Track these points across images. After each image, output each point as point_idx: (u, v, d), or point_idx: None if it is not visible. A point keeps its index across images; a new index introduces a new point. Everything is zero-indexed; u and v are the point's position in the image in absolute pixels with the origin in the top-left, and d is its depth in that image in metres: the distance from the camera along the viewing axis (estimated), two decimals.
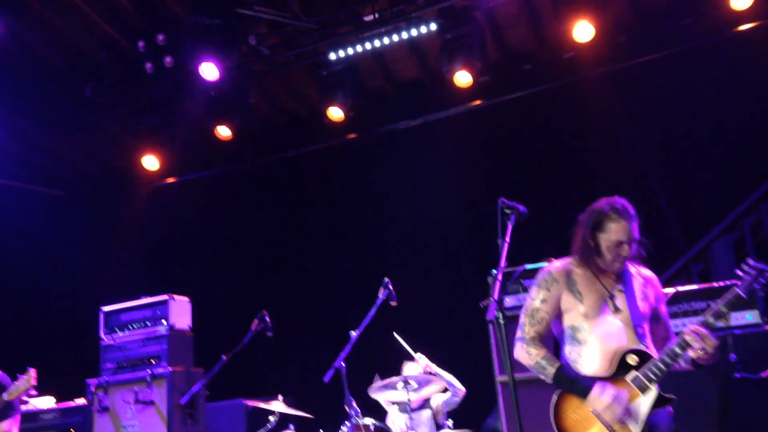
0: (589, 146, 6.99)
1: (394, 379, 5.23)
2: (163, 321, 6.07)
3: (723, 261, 6.18)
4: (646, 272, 3.37)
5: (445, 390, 5.67)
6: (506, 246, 3.07)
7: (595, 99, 6.92)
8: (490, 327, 5.09)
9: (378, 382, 5.28)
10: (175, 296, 6.20)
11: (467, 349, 6.67)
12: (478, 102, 7.44)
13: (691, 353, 2.99)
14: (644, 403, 3.02)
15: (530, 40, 7.23)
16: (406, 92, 7.89)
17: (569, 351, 3.25)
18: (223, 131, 7.37)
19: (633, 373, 3.06)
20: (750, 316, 4.51)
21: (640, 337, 3.15)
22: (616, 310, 3.19)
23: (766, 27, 6.29)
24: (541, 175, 7.30)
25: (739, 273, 3.02)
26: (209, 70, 6.69)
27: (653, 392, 3.03)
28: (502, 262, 3.01)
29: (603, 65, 6.88)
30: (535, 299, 3.33)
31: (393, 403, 5.71)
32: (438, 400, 5.80)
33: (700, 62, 6.62)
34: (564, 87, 7.10)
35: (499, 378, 5.04)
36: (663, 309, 3.34)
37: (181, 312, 6.19)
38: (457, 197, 7.58)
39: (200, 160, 8.56)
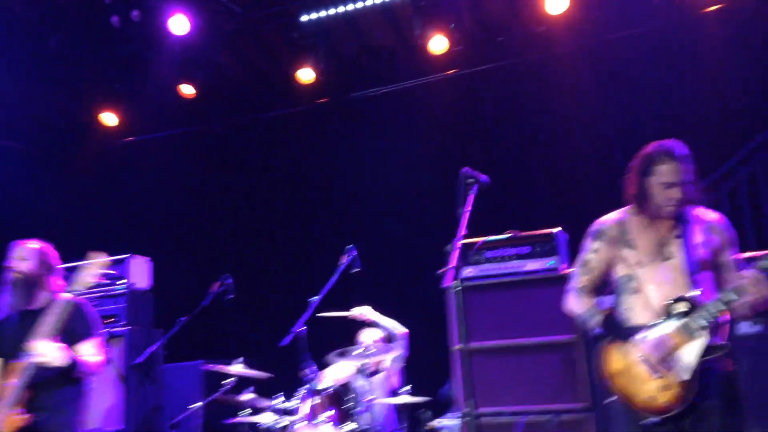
0: (558, 120, 7.02)
1: (352, 348, 5.26)
2: (122, 280, 6.02)
3: None
4: (713, 216, 3.23)
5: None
6: (466, 215, 3.05)
7: (565, 74, 6.94)
8: (450, 296, 5.15)
9: (337, 351, 5.31)
10: (135, 256, 6.15)
11: (429, 318, 6.71)
12: (450, 72, 7.40)
13: (749, 298, 2.88)
14: (693, 349, 2.94)
15: (504, 12, 7.18)
16: (378, 59, 7.81)
17: (623, 300, 3.20)
18: (187, 90, 7.27)
19: (683, 320, 2.98)
20: None
21: (695, 284, 3.03)
22: (670, 257, 3.10)
23: (730, 10, 6.36)
24: (510, 147, 7.32)
25: None
26: (179, 23, 6.55)
27: (703, 339, 2.93)
28: (461, 231, 2.99)
29: (573, 41, 6.89)
30: (588, 250, 3.32)
31: (356, 370, 5.78)
32: (388, 360, 5.84)
33: (668, 41, 6.68)
34: (535, 61, 7.10)
35: (456, 346, 5.11)
36: (729, 255, 3.19)
37: (140, 271, 6.16)
38: (426, 166, 7.56)
39: (166, 119, 8.41)
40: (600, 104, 6.79)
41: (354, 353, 5.20)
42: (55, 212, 8.54)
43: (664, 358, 2.98)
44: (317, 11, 6.75)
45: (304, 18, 6.81)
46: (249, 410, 5.17)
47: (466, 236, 3.04)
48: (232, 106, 8.38)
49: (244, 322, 7.99)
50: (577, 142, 6.85)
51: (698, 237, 3.13)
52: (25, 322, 3.86)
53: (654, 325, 3.05)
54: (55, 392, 3.78)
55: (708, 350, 2.94)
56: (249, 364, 5.40)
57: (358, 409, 5.10)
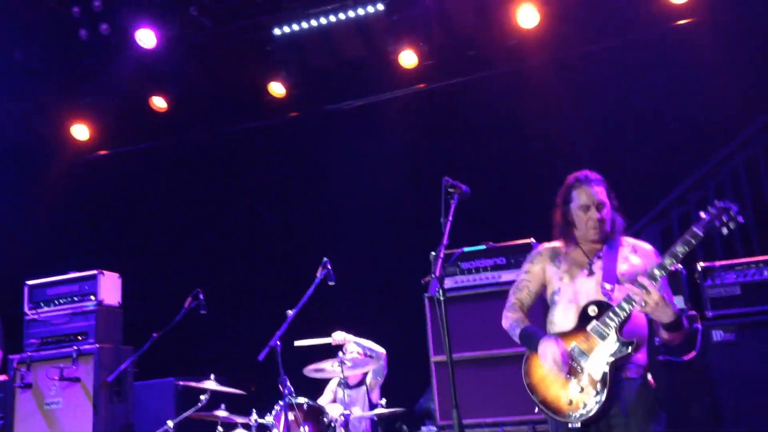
0: (529, 132, 7.09)
1: (329, 361, 5.21)
2: (92, 297, 5.92)
3: None
4: (642, 245, 3.41)
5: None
6: (449, 225, 3.08)
7: (536, 87, 7.01)
8: (426, 307, 5.14)
9: (313, 365, 5.25)
10: (105, 271, 6.04)
11: (404, 329, 6.69)
12: (421, 85, 7.44)
13: (636, 307, 3.04)
14: (604, 348, 3.09)
15: (476, 27, 7.24)
16: (350, 72, 7.81)
17: (549, 314, 3.38)
18: (159, 102, 7.21)
19: (593, 323, 3.15)
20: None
21: (607, 294, 3.20)
22: (591, 273, 3.28)
23: (700, 24, 6.50)
24: (482, 160, 7.37)
25: (702, 214, 3.04)
26: (146, 37, 6.50)
27: (612, 337, 3.09)
28: (445, 240, 3.02)
29: (545, 54, 6.97)
30: (522, 272, 3.52)
31: (337, 384, 5.74)
32: (370, 375, 5.82)
33: (639, 54, 6.80)
34: (506, 74, 7.17)
35: (434, 358, 5.09)
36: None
37: (110, 288, 6.04)
38: (399, 178, 7.59)
39: (135, 133, 8.30)
40: (572, 116, 6.87)
41: (335, 364, 5.15)
42: (24, 228, 8.36)
43: (576, 361, 3.11)
44: (290, 25, 6.75)
45: (276, 31, 6.80)
46: (221, 428, 5.08)
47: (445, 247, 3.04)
48: (204, 120, 8.30)
49: (217, 337, 7.88)
50: (550, 154, 6.92)
51: (623, 258, 3.30)
52: None
53: (567, 332, 3.20)
54: None
55: (619, 347, 3.07)
56: (222, 380, 5.32)
57: (334, 424, 5.05)
